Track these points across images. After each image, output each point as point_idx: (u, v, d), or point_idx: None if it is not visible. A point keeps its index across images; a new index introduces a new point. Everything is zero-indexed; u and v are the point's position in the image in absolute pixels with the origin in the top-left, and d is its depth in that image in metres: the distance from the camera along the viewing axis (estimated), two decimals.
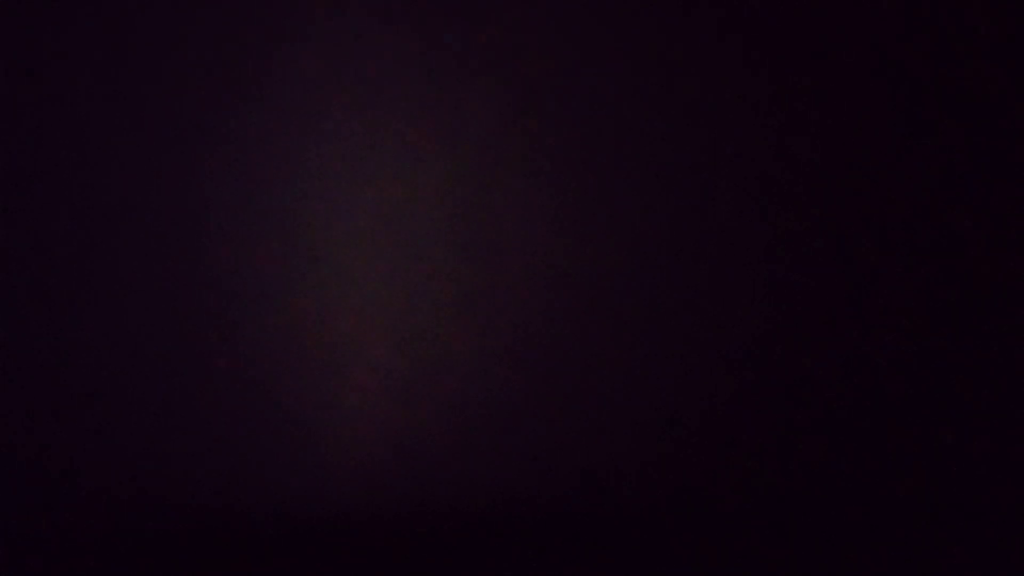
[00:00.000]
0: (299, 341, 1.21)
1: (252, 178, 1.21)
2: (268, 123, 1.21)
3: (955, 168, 1.20)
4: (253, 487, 1.20)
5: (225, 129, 1.21)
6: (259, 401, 1.20)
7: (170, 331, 1.21)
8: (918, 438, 1.19)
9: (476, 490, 1.20)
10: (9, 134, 1.21)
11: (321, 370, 1.21)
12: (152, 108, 1.21)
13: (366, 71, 1.21)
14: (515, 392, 1.20)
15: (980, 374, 1.19)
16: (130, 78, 1.21)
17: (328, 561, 1.19)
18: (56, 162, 1.21)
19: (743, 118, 1.20)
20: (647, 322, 1.20)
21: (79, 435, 1.20)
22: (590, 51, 1.21)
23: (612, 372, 1.20)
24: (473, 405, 1.21)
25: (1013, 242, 1.19)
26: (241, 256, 1.21)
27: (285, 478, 1.20)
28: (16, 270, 1.21)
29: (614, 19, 1.21)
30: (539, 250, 1.21)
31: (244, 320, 1.20)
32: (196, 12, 1.21)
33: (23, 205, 1.21)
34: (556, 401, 1.21)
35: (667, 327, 1.20)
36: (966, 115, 1.20)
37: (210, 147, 1.21)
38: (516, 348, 1.20)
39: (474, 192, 1.21)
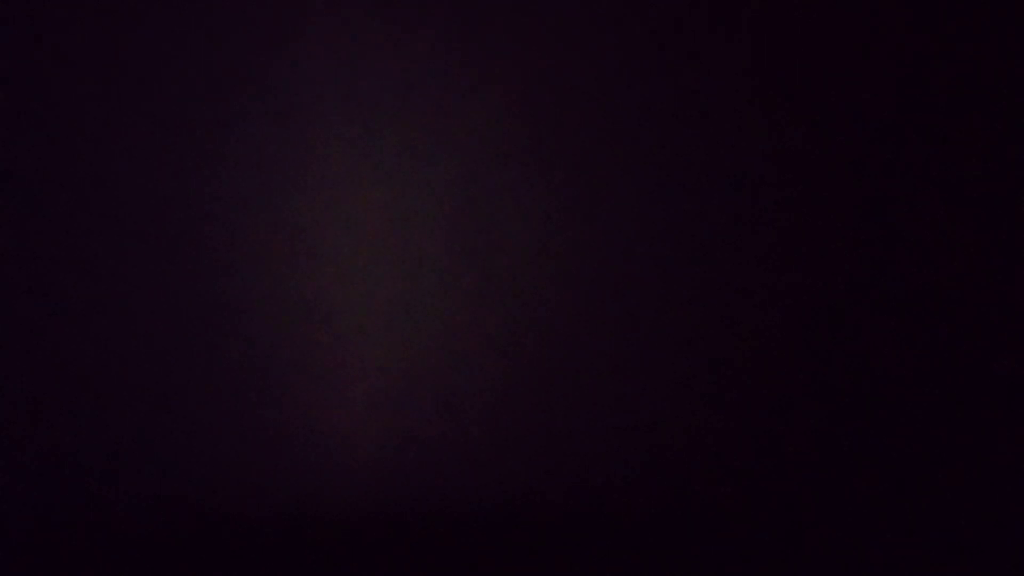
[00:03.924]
0: (299, 341, 1.21)
1: (253, 179, 1.21)
2: (269, 124, 1.21)
3: (955, 169, 1.20)
4: (253, 487, 1.20)
5: (226, 130, 1.21)
6: (259, 401, 1.21)
7: (171, 331, 1.21)
8: (918, 439, 1.19)
9: (476, 490, 1.20)
10: (10, 134, 1.21)
11: (321, 370, 1.21)
12: (155, 110, 1.21)
13: (368, 72, 1.22)
14: (515, 392, 1.21)
15: (980, 374, 1.19)
16: (132, 80, 1.21)
17: (328, 561, 1.19)
18: (58, 164, 1.21)
19: (746, 119, 1.21)
20: (648, 323, 1.20)
21: (80, 435, 1.21)
22: (592, 51, 1.21)
23: (612, 373, 1.20)
24: (473, 405, 1.21)
25: (1013, 242, 1.19)
26: (242, 257, 1.21)
27: (285, 478, 1.20)
28: (19, 270, 1.21)
29: (617, 19, 1.21)
30: (540, 251, 1.21)
31: (244, 320, 1.21)
32: (198, 14, 1.21)
33: (25, 205, 1.21)
34: (556, 402, 1.21)
35: (668, 328, 1.20)
36: (966, 115, 1.20)
37: (211, 148, 1.21)
38: (516, 348, 1.21)
39: (476, 193, 1.21)
